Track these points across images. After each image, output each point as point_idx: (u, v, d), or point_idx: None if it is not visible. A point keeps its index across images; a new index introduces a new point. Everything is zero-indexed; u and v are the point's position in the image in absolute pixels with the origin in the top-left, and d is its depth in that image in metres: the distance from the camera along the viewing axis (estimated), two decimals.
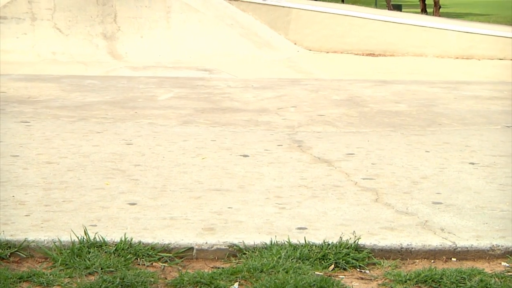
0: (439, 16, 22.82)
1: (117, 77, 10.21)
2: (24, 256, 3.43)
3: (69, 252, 3.40)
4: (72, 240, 3.49)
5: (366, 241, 3.58)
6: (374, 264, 3.47)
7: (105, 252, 3.43)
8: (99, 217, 3.86)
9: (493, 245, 3.60)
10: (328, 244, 3.52)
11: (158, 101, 7.91)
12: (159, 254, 3.47)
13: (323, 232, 3.71)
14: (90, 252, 3.41)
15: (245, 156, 5.39)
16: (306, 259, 3.43)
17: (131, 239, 3.51)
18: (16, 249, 3.44)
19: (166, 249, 3.50)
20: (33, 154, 5.26)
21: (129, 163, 5.07)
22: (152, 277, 3.26)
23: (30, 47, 14.29)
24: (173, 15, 15.69)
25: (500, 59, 14.05)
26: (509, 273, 3.38)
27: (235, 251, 3.52)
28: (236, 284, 3.24)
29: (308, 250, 3.49)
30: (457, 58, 14.28)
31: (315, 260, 3.43)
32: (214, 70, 11.71)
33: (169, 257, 3.47)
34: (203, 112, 7.27)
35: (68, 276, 3.25)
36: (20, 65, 11.91)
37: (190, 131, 6.27)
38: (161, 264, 3.43)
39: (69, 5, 15.46)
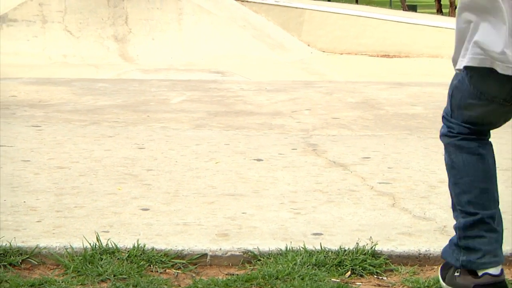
0: (455, 16, 22.75)
1: (128, 80, 10.22)
2: (36, 263, 3.43)
3: (81, 259, 3.40)
4: (84, 246, 3.48)
5: (383, 247, 3.56)
6: (391, 270, 3.45)
7: (118, 258, 3.42)
8: (111, 223, 3.85)
9: None
10: (345, 250, 3.50)
11: (170, 105, 7.91)
12: (172, 260, 3.46)
13: (339, 237, 3.69)
14: (102, 259, 3.40)
15: (259, 160, 5.37)
16: (322, 266, 3.41)
17: (144, 246, 3.50)
18: (27, 256, 3.44)
19: (179, 255, 3.49)
20: (44, 159, 5.26)
21: (142, 168, 5.06)
22: (166, 284, 3.25)
23: (40, 50, 14.34)
24: (185, 17, 15.70)
25: None
26: None
27: (250, 258, 3.50)
28: None
29: (324, 256, 3.47)
30: None
31: (331, 266, 3.41)
32: (227, 72, 11.71)
33: (183, 263, 3.46)
34: (216, 115, 7.26)
35: (80, 283, 3.24)
36: (30, 68, 11.95)
37: (203, 135, 6.26)
38: (175, 271, 3.42)
39: (80, 8, 15.49)
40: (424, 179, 4.87)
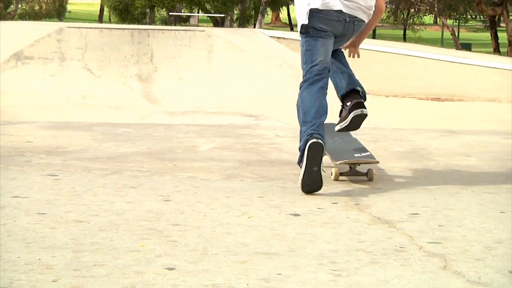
0: None
1: (153, 125, 10.33)
2: None
3: None
4: None
5: None
6: None
7: None
8: (133, 283, 3.88)
9: None
10: None
11: (198, 152, 7.98)
12: None
13: None
14: None
15: (296, 215, 5.40)
16: None
17: None
18: None
19: None
20: (61, 211, 5.32)
21: (167, 222, 5.10)
22: None
23: (58, 90, 14.56)
24: (215, 54, 15.88)
25: None
26: None
27: None
28: None
29: None
30: None
31: None
32: (261, 116, 11.80)
33: None
34: (248, 164, 7.32)
35: None
36: (47, 110, 12.13)
37: (234, 186, 6.30)
38: None
39: (101, 44, 15.74)
40: (479, 239, 4.86)
